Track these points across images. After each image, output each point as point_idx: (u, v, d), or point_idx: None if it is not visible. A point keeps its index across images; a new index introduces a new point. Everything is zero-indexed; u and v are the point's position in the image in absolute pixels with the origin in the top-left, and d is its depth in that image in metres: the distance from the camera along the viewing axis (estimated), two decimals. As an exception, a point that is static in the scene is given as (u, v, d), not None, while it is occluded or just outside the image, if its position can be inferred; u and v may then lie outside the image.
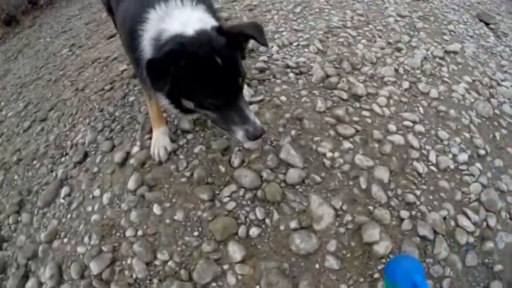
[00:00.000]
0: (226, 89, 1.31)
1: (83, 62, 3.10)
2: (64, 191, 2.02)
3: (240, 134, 1.36)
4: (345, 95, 2.06)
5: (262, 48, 2.44)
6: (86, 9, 4.66)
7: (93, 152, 2.12)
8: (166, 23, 1.37)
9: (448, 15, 3.33)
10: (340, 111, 1.94)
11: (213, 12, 1.57)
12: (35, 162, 2.35)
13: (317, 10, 2.92)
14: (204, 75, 1.26)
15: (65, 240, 1.84)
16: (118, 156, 1.95)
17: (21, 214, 2.11)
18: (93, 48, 3.32)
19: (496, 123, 2.27)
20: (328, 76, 2.18)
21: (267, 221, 1.60)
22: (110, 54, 2.96)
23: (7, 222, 2.11)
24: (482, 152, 2.01)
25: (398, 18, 3.01)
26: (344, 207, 1.62)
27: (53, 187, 2.08)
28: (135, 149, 1.96)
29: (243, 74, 1.36)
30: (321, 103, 1.98)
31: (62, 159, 2.24)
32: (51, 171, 2.21)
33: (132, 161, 1.91)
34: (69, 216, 1.92)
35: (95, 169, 2.01)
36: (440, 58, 2.61)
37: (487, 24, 3.60)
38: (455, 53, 2.71)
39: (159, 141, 1.87)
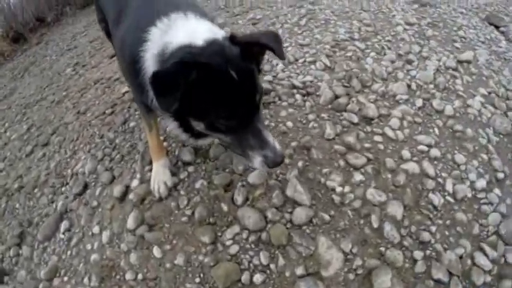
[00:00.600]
0: (242, 107, 1.11)
1: (85, 83, 2.95)
2: (64, 225, 1.89)
3: (257, 161, 1.16)
4: (355, 118, 1.87)
5: (266, 67, 2.24)
6: (91, 26, 4.51)
7: (93, 183, 1.98)
8: (171, 36, 1.19)
9: (457, 20, 3.09)
10: (350, 138, 1.75)
11: (217, 27, 1.38)
12: (35, 190, 2.23)
13: (323, 22, 2.71)
14: (217, 91, 1.07)
15: (65, 278, 1.73)
16: (117, 190, 1.80)
17: (22, 247, 2.00)
18: (96, 68, 3.17)
19: (514, 139, 2.02)
20: (337, 97, 1.99)
21: (272, 266, 1.44)
22: (112, 75, 2.81)
23: (8, 254, 2.02)
24: (501, 175, 1.82)
25: (407, 27, 2.78)
26: (354, 250, 1.45)
27: (53, 220, 1.95)
28: (135, 183, 1.81)
29: (260, 90, 1.16)
30: (329, 129, 1.79)
31: (63, 189, 2.11)
32: (52, 202, 2.09)
33: (131, 196, 1.76)
34: (69, 253, 1.80)
35: (95, 203, 1.86)
36: (454, 69, 2.39)
37: (497, 27, 3.35)
38: (468, 62, 2.50)
39: (159, 176, 1.71)
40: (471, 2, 3.71)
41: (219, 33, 1.20)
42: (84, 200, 1.96)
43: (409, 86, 2.16)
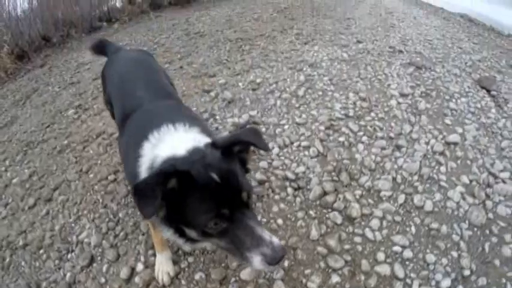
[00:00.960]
0: (229, 208, 1.20)
1: (87, 134, 3.37)
2: (73, 297, 2.31)
3: (257, 261, 1.21)
4: (339, 219, 2.33)
5: (262, 150, 2.67)
6: (95, 59, 4.85)
7: (99, 258, 2.43)
8: (159, 150, 1.40)
9: (449, 86, 3.55)
10: (332, 242, 2.23)
11: (208, 133, 1.59)
12: (41, 251, 2.66)
13: (320, 93, 3.14)
14: (200, 196, 1.19)
15: None
16: (124, 273, 2.26)
17: (32, 310, 2.41)
18: (98, 116, 3.58)
19: (487, 231, 2.50)
20: (325, 193, 2.42)
21: None
22: (113, 130, 3.21)
23: (17, 314, 2.41)
24: (467, 272, 2.26)
25: (401, 100, 3.22)
26: None
27: (62, 290, 2.37)
28: (140, 266, 2.27)
29: (246, 187, 1.26)
30: (315, 230, 2.26)
31: (69, 256, 2.55)
32: (59, 268, 2.51)
33: (137, 279, 2.22)
34: (79, 326, 2.23)
35: (102, 280, 2.33)
36: (440, 153, 2.85)
37: (488, 90, 3.78)
38: (455, 144, 2.93)
39: (163, 266, 2.17)
40: (465, 59, 4.15)
41: (203, 141, 1.38)
42: (92, 274, 2.40)
43: (394, 179, 2.62)
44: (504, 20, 5.32)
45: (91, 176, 3.01)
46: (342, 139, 2.82)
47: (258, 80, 3.47)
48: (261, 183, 2.54)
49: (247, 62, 3.85)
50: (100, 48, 2.81)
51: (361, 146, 2.79)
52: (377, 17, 5.25)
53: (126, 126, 1.94)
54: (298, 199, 2.47)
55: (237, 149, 1.37)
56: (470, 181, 2.74)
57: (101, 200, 2.78)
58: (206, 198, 1.20)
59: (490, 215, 2.57)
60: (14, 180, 3.32)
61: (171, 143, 1.40)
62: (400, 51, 4.06)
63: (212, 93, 3.41)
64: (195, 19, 5.54)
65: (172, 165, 1.22)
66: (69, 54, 5.47)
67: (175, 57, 4.36)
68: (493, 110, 3.53)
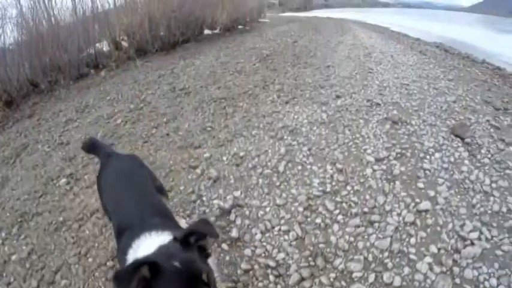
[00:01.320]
0: None
1: (81, 211, 3.78)
2: None
3: None
4: (314, 305, 2.76)
5: (246, 237, 3.11)
6: (83, 114, 5.23)
7: None
8: (138, 254, 1.74)
9: (424, 140, 3.98)
10: (308, 330, 2.66)
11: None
12: None
13: (299, 168, 3.57)
14: (167, 281, 1.46)
15: None
16: None
17: None
18: (90, 189, 3.98)
19: (453, 297, 2.92)
20: (303, 278, 2.87)
21: None
22: (107, 210, 3.62)
23: None
24: None
25: (376, 166, 3.66)
26: None
27: None
28: None
29: (205, 270, 1.57)
30: (293, 321, 2.70)
31: None
32: None
33: None
34: None
35: None
36: (411, 224, 3.27)
37: (462, 139, 4.17)
38: (426, 211, 3.36)
39: None
40: (440, 102, 4.55)
41: (167, 239, 1.72)
42: None
43: (365, 259, 3.05)
44: (479, 44, 5.69)
45: (90, 260, 3.43)
46: (318, 220, 3.25)
47: (241, 154, 3.87)
48: (246, 271, 2.98)
49: (231, 129, 4.25)
50: (90, 147, 3.25)
51: (336, 227, 3.22)
52: (355, 61, 5.63)
53: (121, 243, 2.39)
54: (279, 286, 2.91)
55: (193, 238, 1.69)
56: (439, 249, 3.14)
57: (102, 287, 3.21)
58: (172, 282, 1.48)
59: (457, 280, 2.96)
60: (13, 257, 3.69)
61: (147, 248, 1.73)
62: (378, 104, 4.45)
63: (198, 170, 3.83)
64: (180, 70, 5.91)
65: (144, 257, 1.57)
66: (57, 105, 5.84)
67: (161, 120, 4.75)
68: (466, 162, 3.94)
